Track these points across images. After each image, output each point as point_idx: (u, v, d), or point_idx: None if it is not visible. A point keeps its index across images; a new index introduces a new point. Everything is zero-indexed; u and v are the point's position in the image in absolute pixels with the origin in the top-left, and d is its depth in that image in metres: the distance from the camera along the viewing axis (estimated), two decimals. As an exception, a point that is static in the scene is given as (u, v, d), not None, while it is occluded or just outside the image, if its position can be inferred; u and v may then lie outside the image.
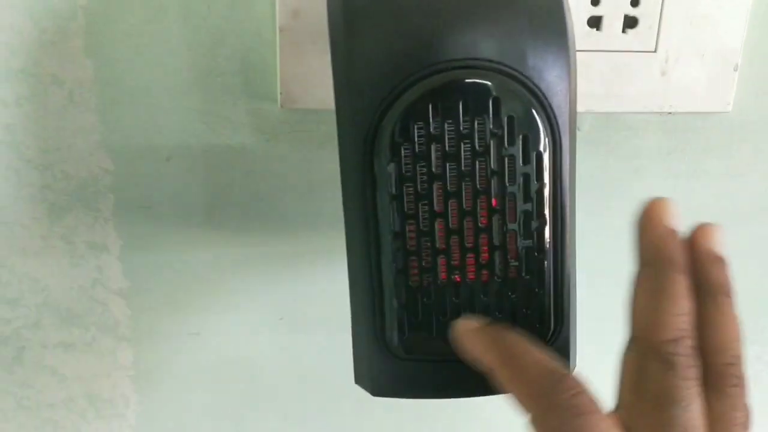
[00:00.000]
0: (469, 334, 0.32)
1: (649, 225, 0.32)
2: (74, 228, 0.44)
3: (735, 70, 0.44)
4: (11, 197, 0.42)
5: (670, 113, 0.44)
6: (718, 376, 0.30)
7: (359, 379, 0.35)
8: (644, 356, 0.30)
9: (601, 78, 0.43)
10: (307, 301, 0.47)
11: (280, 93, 0.41)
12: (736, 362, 0.31)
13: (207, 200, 0.44)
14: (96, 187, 0.43)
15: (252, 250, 0.46)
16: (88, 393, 0.48)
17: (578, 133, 0.45)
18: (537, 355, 0.30)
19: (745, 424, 0.31)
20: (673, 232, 0.32)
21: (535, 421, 0.29)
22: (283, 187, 0.44)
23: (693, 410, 0.29)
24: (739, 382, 0.31)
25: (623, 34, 0.42)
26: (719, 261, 0.32)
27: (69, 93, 0.41)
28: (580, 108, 0.43)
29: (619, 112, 0.44)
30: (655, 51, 0.42)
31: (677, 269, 0.31)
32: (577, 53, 0.41)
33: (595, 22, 0.42)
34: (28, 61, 0.40)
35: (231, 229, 0.45)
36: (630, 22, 0.42)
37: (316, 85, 0.41)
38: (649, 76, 0.43)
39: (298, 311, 0.48)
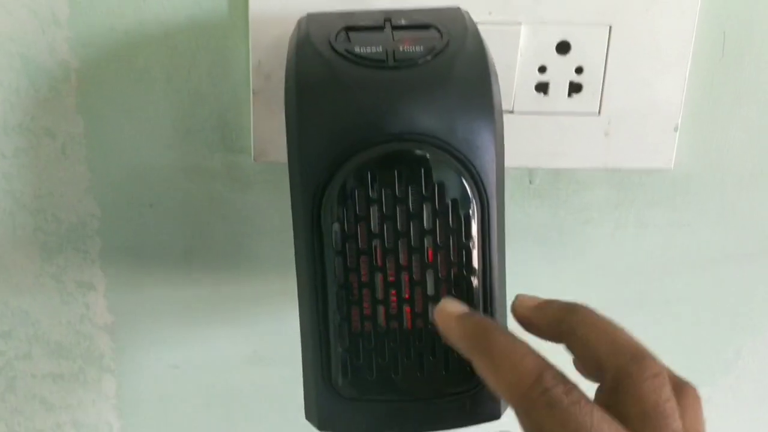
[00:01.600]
0: (450, 320, 0.33)
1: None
2: (64, 267, 0.47)
3: (675, 130, 0.47)
4: (7, 239, 0.46)
5: (615, 170, 0.48)
6: (624, 376, 0.30)
7: (308, 415, 0.38)
8: (528, 412, 0.29)
9: (549, 138, 0.46)
10: (279, 337, 0.51)
11: (254, 147, 0.45)
12: (640, 354, 0.30)
13: (186, 243, 0.48)
14: (84, 231, 0.47)
15: (228, 289, 0.49)
16: (75, 420, 0.51)
17: (530, 187, 0.48)
18: (517, 350, 0.30)
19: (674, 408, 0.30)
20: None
21: (520, 415, 0.29)
22: (255, 231, 0.48)
23: (599, 424, 0.28)
24: (656, 367, 0.30)
25: (569, 98, 0.46)
26: (552, 301, 0.34)
27: (61, 146, 0.45)
28: (531, 164, 0.47)
29: (567, 168, 0.48)
30: (598, 113, 0.46)
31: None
32: (526, 115, 0.45)
33: (542, 88, 0.45)
34: (25, 116, 0.44)
35: (208, 270, 0.49)
36: (575, 88, 0.45)
37: (285, 145, 0.44)
38: (593, 136, 0.46)
39: (271, 346, 0.51)
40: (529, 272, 0.51)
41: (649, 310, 0.53)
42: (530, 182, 0.48)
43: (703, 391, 0.56)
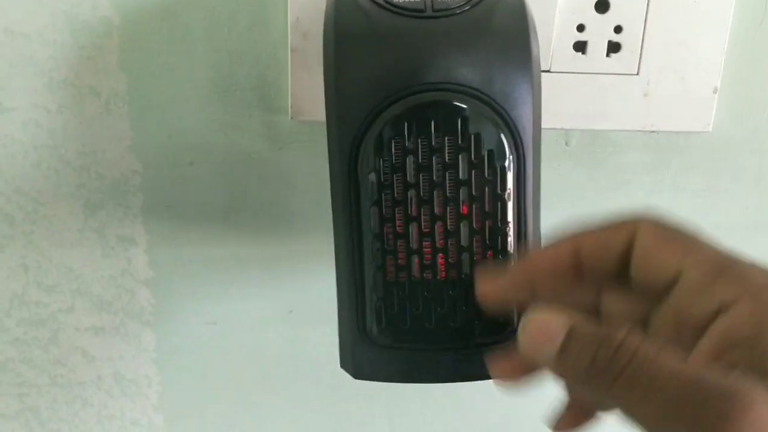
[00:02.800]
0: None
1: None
2: (106, 223, 0.48)
3: (714, 92, 0.47)
4: (51, 194, 0.47)
5: (653, 132, 0.48)
6: None
7: (344, 363, 0.39)
8: None
9: (587, 98, 0.46)
10: (315, 297, 0.52)
11: (291, 106, 0.45)
12: None
13: (225, 201, 0.49)
14: (126, 187, 0.48)
15: (264, 248, 0.50)
16: (115, 373, 0.52)
17: (566, 148, 0.48)
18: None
19: None
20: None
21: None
22: (292, 190, 0.48)
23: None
24: None
25: (607, 58, 0.45)
26: None
27: (105, 103, 0.46)
28: (567, 125, 0.47)
29: (604, 130, 0.47)
30: (637, 74, 0.46)
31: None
32: (564, 75, 0.45)
33: (580, 47, 0.45)
34: (69, 73, 0.45)
35: (246, 229, 0.49)
36: (613, 47, 0.45)
37: (323, 99, 0.45)
38: (631, 97, 0.46)
39: (307, 305, 0.52)
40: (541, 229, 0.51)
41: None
42: (566, 144, 0.48)
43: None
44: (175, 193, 0.48)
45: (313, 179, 0.48)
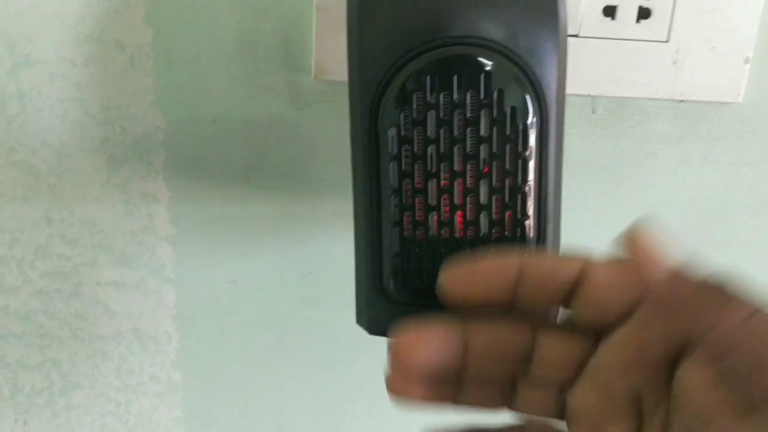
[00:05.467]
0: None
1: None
2: (129, 178, 0.49)
3: (746, 62, 0.46)
4: (76, 148, 0.48)
5: (681, 101, 0.47)
6: None
7: (359, 319, 0.39)
8: None
9: (615, 64, 0.45)
10: (334, 259, 0.52)
11: (315, 65, 0.45)
12: None
13: (246, 160, 0.49)
14: (149, 143, 0.48)
15: (285, 208, 0.50)
16: (135, 329, 0.53)
17: (592, 116, 0.48)
18: None
19: None
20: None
21: None
22: (314, 151, 0.48)
23: None
24: None
25: (637, 24, 0.45)
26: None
27: (130, 57, 0.46)
28: (594, 92, 0.46)
29: (631, 98, 0.47)
30: (667, 41, 0.45)
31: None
32: (592, 40, 0.44)
33: (609, 12, 0.44)
34: (96, 27, 0.45)
35: (266, 188, 0.49)
36: (644, 13, 0.44)
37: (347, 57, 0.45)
38: (660, 64, 0.45)
39: (325, 267, 0.52)
40: (587, 203, 0.50)
41: (707, 251, 0.52)
42: (593, 111, 0.48)
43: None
44: (197, 150, 0.48)
45: (334, 140, 0.48)
